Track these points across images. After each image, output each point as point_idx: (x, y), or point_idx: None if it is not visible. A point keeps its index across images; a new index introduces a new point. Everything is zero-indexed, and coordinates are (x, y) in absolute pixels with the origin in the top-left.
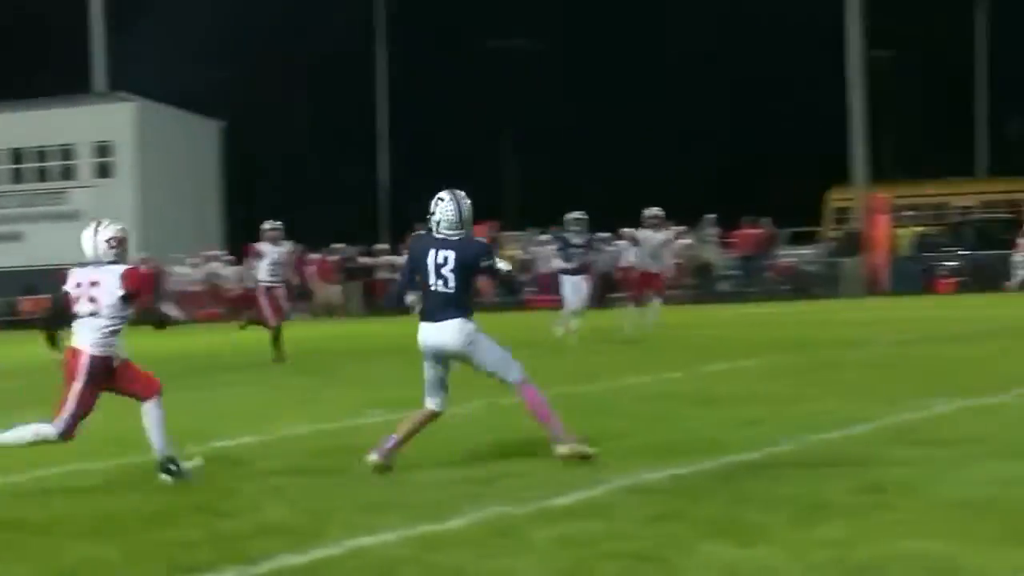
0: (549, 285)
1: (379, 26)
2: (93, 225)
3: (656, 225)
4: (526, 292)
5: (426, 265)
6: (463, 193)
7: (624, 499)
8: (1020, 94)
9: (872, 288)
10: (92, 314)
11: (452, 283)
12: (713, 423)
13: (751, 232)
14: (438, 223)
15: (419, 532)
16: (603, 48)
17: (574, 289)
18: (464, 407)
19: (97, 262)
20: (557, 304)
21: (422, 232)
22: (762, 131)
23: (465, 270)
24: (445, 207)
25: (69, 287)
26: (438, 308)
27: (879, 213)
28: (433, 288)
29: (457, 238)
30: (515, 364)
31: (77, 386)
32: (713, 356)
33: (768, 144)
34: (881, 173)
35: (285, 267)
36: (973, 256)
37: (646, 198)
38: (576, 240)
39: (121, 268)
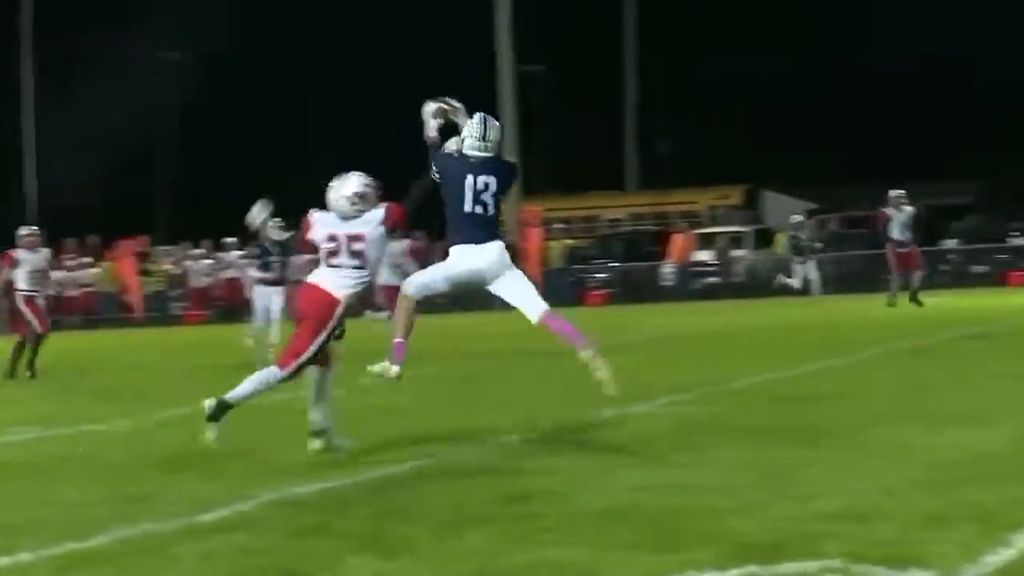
0: (201, 300)
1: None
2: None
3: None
4: (178, 307)
5: (462, 190)
6: None
7: (272, 513)
8: (670, 109)
9: None
10: (358, 267)
11: (492, 208)
12: (364, 435)
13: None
14: (482, 139)
15: (60, 551)
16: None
17: (269, 301)
18: (111, 424)
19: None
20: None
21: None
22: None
23: (503, 193)
24: (491, 124)
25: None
26: (479, 230)
27: (531, 226)
28: (471, 211)
29: (495, 161)
30: (539, 299)
31: (324, 333)
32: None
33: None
34: (533, 186)
35: (44, 275)
36: (622, 268)
37: None
38: (275, 249)
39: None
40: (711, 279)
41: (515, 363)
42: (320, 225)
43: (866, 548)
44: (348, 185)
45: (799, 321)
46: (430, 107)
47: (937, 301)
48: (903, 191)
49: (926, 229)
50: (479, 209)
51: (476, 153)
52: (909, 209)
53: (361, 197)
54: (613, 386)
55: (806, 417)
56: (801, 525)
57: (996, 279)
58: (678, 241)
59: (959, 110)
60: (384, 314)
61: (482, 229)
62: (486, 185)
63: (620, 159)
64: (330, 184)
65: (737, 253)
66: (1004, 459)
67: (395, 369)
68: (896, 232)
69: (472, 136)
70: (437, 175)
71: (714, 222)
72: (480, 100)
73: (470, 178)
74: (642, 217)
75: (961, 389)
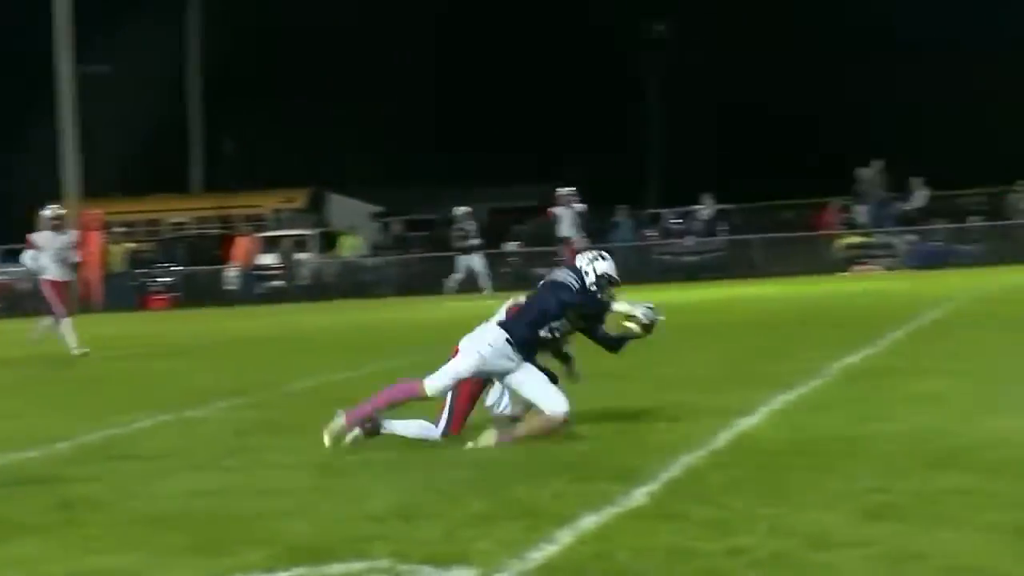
0: None
1: None
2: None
3: None
4: None
5: None
6: None
7: None
8: (234, 109)
9: (85, 305)
10: None
11: None
12: None
13: None
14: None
15: None
16: None
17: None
18: None
19: None
20: None
21: None
22: None
23: None
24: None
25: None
26: None
27: (91, 229)
28: None
29: None
30: None
31: None
32: None
33: None
34: (95, 189)
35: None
36: (186, 271)
37: None
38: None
39: None
40: (275, 283)
41: (64, 369)
42: None
43: (412, 548)
44: None
45: (361, 323)
46: None
47: (493, 303)
48: (573, 188)
49: (490, 233)
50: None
51: None
52: (579, 207)
53: None
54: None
55: None
56: (351, 526)
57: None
58: (242, 244)
59: (520, 115)
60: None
61: None
62: None
63: (185, 161)
64: None
65: (302, 256)
66: (551, 456)
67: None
68: (567, 230)
69: None
70: None
71: (279, 225)
72: (38, 101)
73: None
74: (207, 220)
75: None
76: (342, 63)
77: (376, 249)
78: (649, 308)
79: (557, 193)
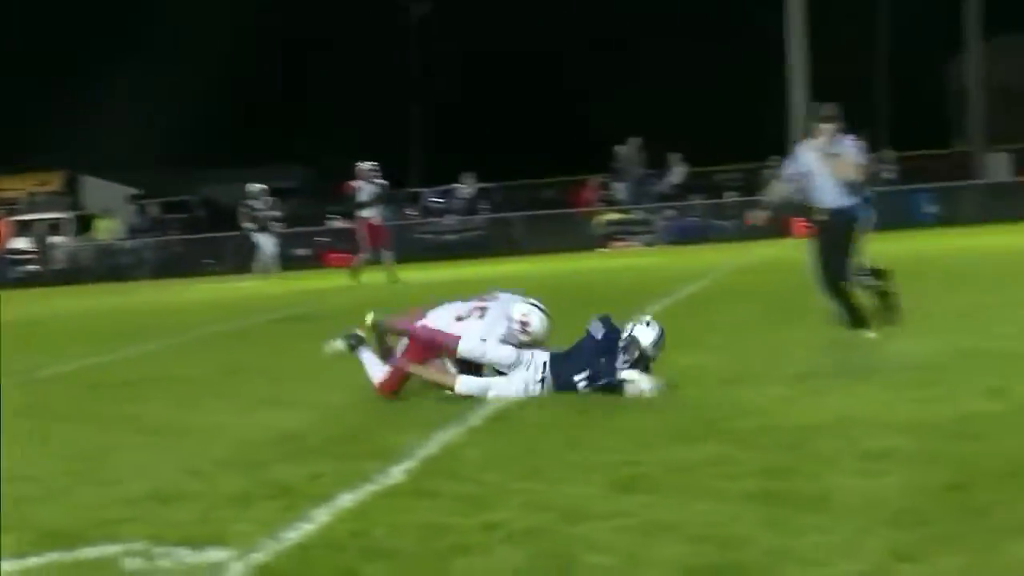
0: None
1: None
2: None
3: None
4: None
5: None
6: None
7: None
8: None
9: None
10: None
11: None
12: None
13: None
14: None
15: None
16: None
17: None
18: None
19: None
20: None
21: None
22: None
23: None
24: None
25: None
26: None
27: None
28: None
29: None
30: None
31: None
32: None
33: None
34: None
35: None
36: None
37: None
38: None
39: None
40: (30, 267)
41: None
42: None
43: (168, 530)
44: None
45: (117, 307)
46: None
47: (257, 285)
48: (375, 163)
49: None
50: None
51: None
52: (380, 182)
53: None
54: None
55: (119, 402)
56: (105, 510)
57: (317, 261)
58: None
59: (276, 94)
60: None
61: None
62: None
63: None
64: None
65: (56, 240)
66: (309, 437)
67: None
68: (366, 207)
69: None
70: None
71: (33, 208)
72: None
73: None
74: None
75: (275, 371)
76: (98, 43)
77: (133, 232)
78: (657, 387)
79: (357, 168)
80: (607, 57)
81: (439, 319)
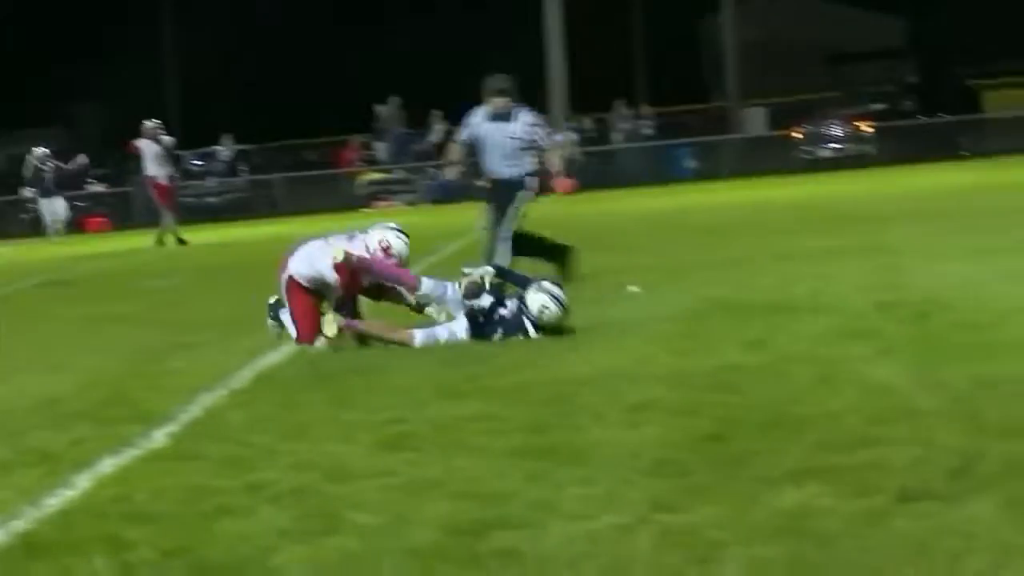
0: None
1: None
2: None
3: None
4: None
5: None
6: None
7: None
8: None
9: None
10: None
11: None
12: None
13: None
14: None
15: None
16: None
17: None
18: None
19: None
20: None
21: None
22: None
23: None
24: None
25: None
26: None
27: None
28: None
29: None
30: None
31: None
32: None
33: None
34: None
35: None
36: None
37: None
38: None
39: None
40: None
41: None
42: None
43: None
44: None
45: None
46: None
47: (14, 251)
48: (159, 121)
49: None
50: None
51: None
52: (167, 139)
53: None
54: None
55: None
56: None
57: (75, 226)
58: None
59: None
60: None
61: None
62: None
63: None
64: None
65: None
66: (70, 403)
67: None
68: (152, 167)
69: None
70: None
71: None
72: None
73: None
74: None
75: (31, 337)
76: None
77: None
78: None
79: (143, 126)
80: (366, 16)
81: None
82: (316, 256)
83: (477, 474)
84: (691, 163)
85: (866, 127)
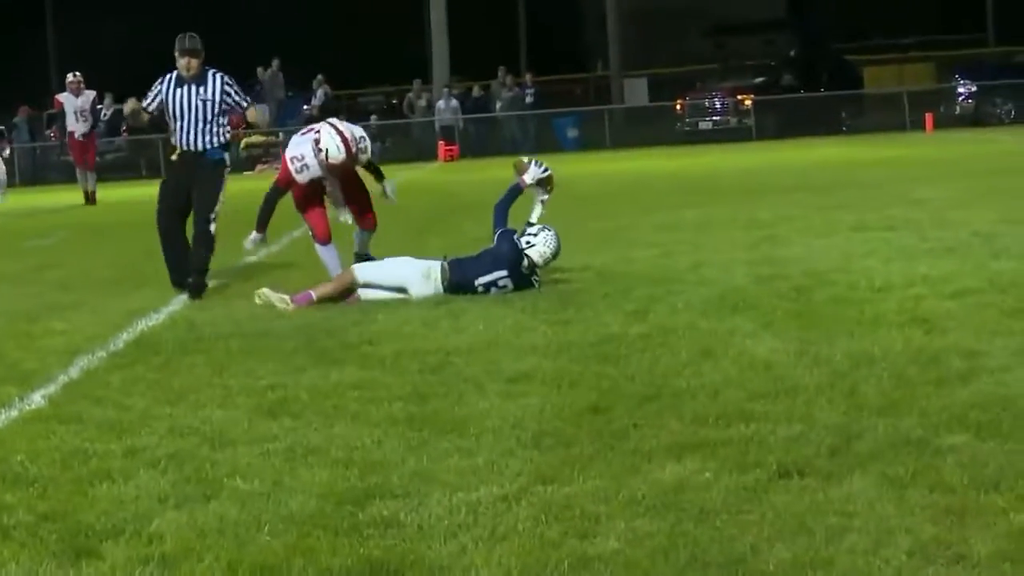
0: None
1: None
2: None
3: None
4: None
5: None
6: None
7: None
8: None
9: None
10: None
11: None
12: None
13: None
14: None
15: None
16: None
17: None
18: None
19: None
20: None
21: None
22: None
23: None
24: None
25: None
26: None
27: None
28: None
29: None
30: None
31: None
32: None
33: None
34: None
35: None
36: None
37: None
38: None
39: None
40: None
41: None
42: None
43: None
44: None
45: None
46: None
47: None
48: (79, 72)
49: None
50: None
51: None
52: (89, 93)
53: None
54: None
55: None
56: None
57: None
58: None
59: None
60: None
61: None
62: None
63: None
64: None
65: None
66: None
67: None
68: (72, 121)
69: None
70: None
71: None
72: None
73: None
74: None
75: None
76: None
77: None
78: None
79: (67, 79)
80: None
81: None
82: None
83: (357, 442)
84: (574, 132)
85: (747, 100)
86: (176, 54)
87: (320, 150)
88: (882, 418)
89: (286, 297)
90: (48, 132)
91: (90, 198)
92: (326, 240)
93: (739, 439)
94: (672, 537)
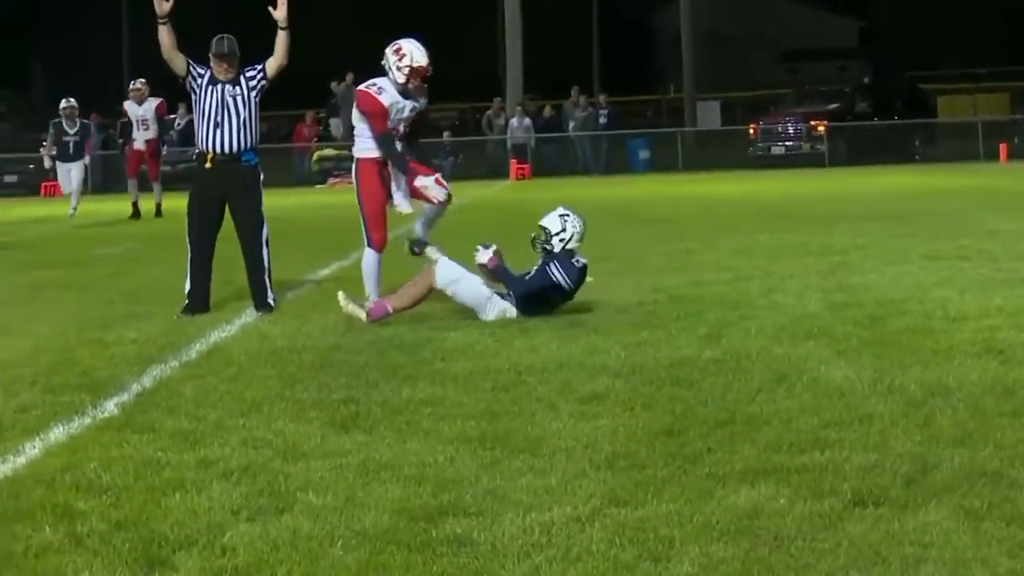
0: None
1: None
2: None
3: None
4: None
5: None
6: None
7: None
8: None
9: None
10: None
11: None
12: None
13: None
14: None
15: None
16: None
17: None
18: None
19: None
20: None
21: None
22: None
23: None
24: None
25: None
26: None
27: None
28: None
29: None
30: None
31: None
32: None
33: None
34: None
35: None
36: None
37: None
38: None
39: None
40: None
41: None
42: None
43: None
44: None
45: None
46: None
47: None
48: (143, 80)
49: None
50: None
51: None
52: (153, 101)
53: None
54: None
55: None
56: None
57: (29, 189)
58: None
59: None
60: None
61: None
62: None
63: None
64: None
65: None
66: (17, 368)
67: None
68: (134, 130)
69: None
70: None
71: None
72: None
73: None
74: None
75: None
76: None
77: None
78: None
79: (130, 87)
80: None
81: None
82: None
83: (430, 459)
84: (645, 154)
85: (820, 126)
86: (212, 57)
87: (402, 56)
88: (958, 449)
89: (362, 314)
90: (119, 140)
91: (157, 211)
92: (381, 247)
93: (813, 466)
94: (746, 563)
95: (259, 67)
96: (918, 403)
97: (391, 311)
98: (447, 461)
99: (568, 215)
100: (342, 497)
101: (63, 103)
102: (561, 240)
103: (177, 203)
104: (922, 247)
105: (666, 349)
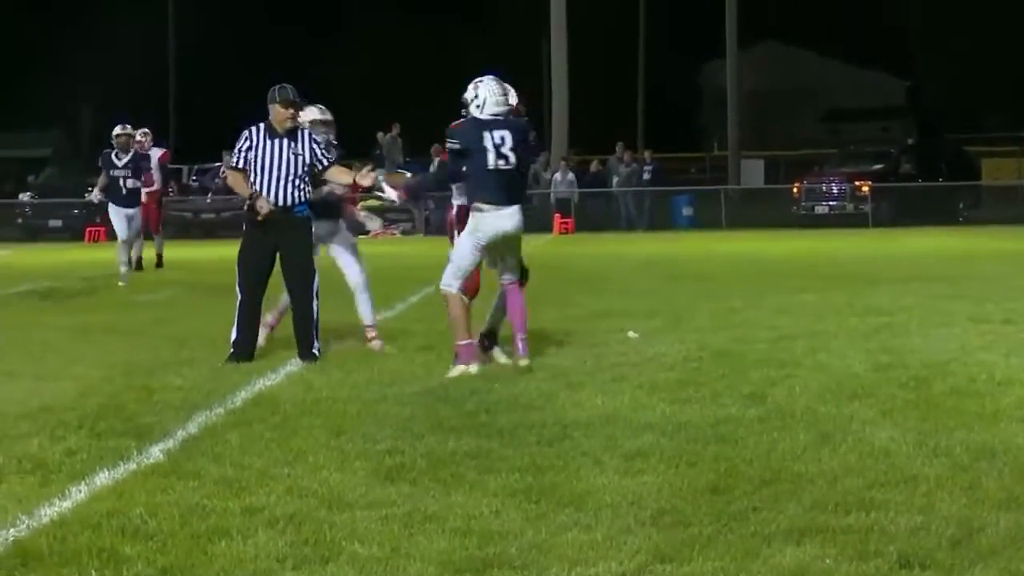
0: None
1: None
2: None
3: None
4: None
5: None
6: None
7: None
8: None
9: None
10: None
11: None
12: None
13: None
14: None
15: None
16: None
17: None
18: None
19: None
20: None
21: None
22: None
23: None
24: (489, 87)
25: None
26: (505, 189)
27: None
28: (494, 168)
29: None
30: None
31: None
32: None
33: None
34: None
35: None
36: None
37: None
38: None
39: None
40: None
41: None
42: None
43: None
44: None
45: None
46: None
47: (7, 255)
48: (146, 130)
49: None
50: (502, 164)
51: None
52: (155, 152)
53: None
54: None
55: None
56: None
57: (74, 233)
58: None
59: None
60: None
61: (507, 188)
62: (503, 139)
63: None
64: None
65: None
66: (64, 412)
67: (474, 367)
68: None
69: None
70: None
71: None
72: None
73: (487, 134)
74: None
75: (22, 344)
76: None
77: None
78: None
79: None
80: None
81: None
82: None
83: (475, 511)
84: (689, 211)
85: (864, 187)
86: (277, 105)
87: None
88: (1004, 512)
89: (474, 366)
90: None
91: (158, 261)
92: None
93: (859, 527)
94: None
95: (329, 156)
96: (964, 466)
97: (472, 342)
98: (492, 514)
99: (481, 80)
100: (387, 548)
101: (117, 129)
102: (477, 106)
103: (217, 251)
104: (967, 310)
105: (711, 406)
